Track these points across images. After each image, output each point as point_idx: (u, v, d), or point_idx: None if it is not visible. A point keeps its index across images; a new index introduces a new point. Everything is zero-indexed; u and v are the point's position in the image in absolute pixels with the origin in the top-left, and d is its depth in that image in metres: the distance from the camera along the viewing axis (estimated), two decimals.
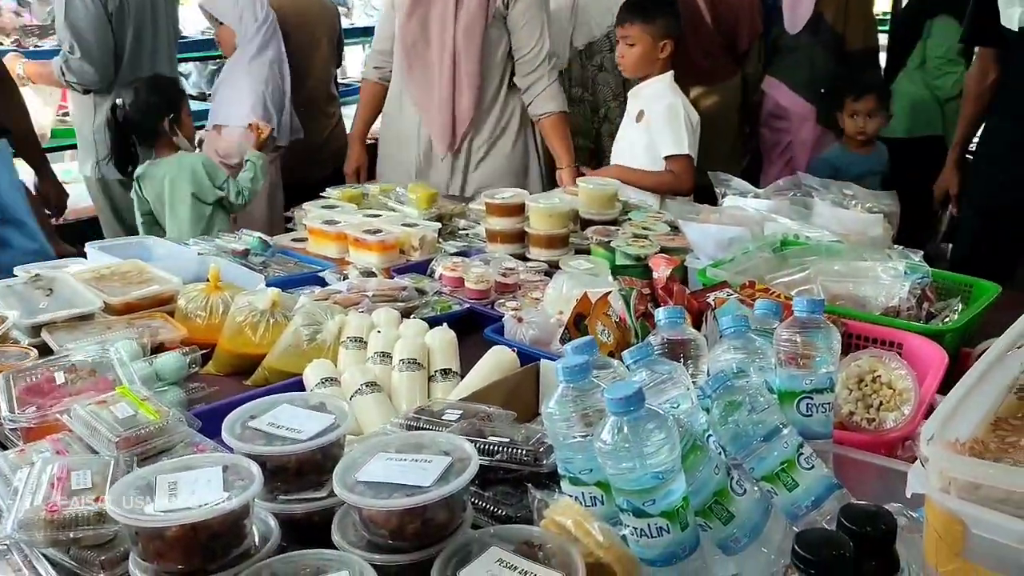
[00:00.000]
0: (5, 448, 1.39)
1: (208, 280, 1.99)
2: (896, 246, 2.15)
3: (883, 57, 4.78)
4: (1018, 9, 2.06)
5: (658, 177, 3.14)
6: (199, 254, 2.37)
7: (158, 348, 1.77)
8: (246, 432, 1.15)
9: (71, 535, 1.07)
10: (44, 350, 1.76)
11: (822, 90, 4.36)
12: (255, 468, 1.05)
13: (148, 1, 3.52)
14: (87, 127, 3.58)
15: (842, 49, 4.37)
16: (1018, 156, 2.59)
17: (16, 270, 2.15)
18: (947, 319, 1.77)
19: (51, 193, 3.36)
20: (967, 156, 3.22)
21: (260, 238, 2.52)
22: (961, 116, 3.00)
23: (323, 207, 2.72)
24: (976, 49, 2.90)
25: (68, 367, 1.52)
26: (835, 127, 4.30)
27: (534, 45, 3.24)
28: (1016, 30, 2.44)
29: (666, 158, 3.12)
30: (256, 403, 1.22)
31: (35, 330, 1.83)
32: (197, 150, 3.52)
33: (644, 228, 2.49)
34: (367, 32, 6.08)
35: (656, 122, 3.15)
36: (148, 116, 3.15)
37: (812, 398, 1.24)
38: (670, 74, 3.23)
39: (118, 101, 3.22)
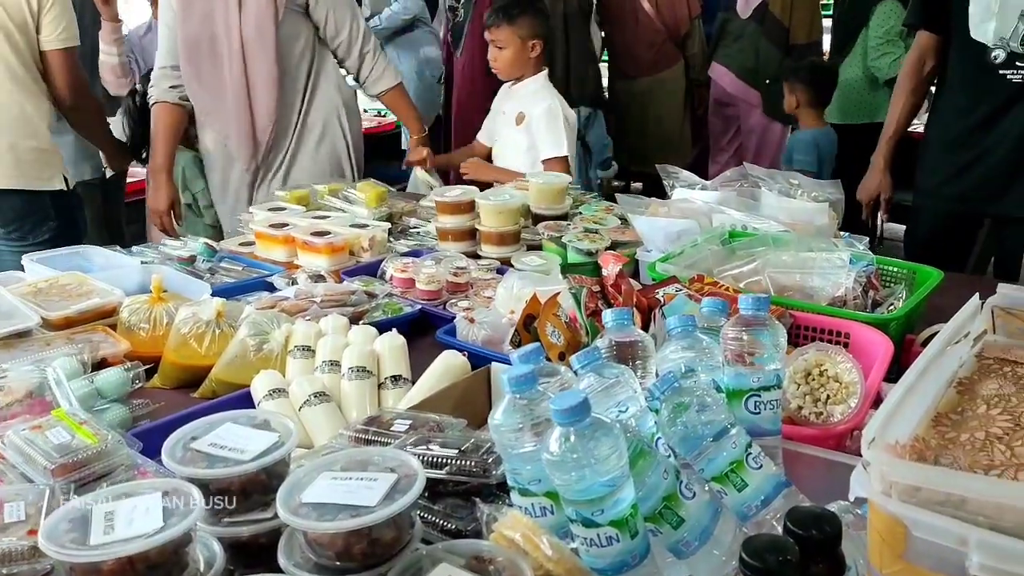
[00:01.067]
0: None
1: (151, 291, 1.94)
2: (843, 233, 2.18)
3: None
4: (992, 24, 2.06)
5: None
6: (142, 263, 2.31)
7: (100, 363, 1.72)
8: (187, 454, 1.12)
9: (4, 571, 1.03)
10: None
11: (767, 80, 4.44)
12: (196, 493, 1.02)
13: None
14: None
15: (786, 42, 4.45)
16: (982, 137, 2.60)
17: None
18: (892, 306, 1.79)
19: None
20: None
21: (206, 243, 2.47)
22: (891, 112, 2.93)
23: (270, 209, 2.68)
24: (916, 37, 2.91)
25: (2, 389, 1.46)
26: (780, 116, 4.39)
27: (349, 29, 3.06)
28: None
29: (544, 160, 3.20)
30: (198, 423, 1.18)
31: None
32: None
33: (595, 222, 2.49)
34: None
35: (536, 124, 3.22)
36: None
37: (760, 395, 1.24)
38: (544, 74, 3.33)
39: (137, 87, 3.34)
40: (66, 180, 2.99)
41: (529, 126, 3.24)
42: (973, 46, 2.50)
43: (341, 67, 3.20)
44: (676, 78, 4.91)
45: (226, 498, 1.09)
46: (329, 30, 3.05)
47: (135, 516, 0.98)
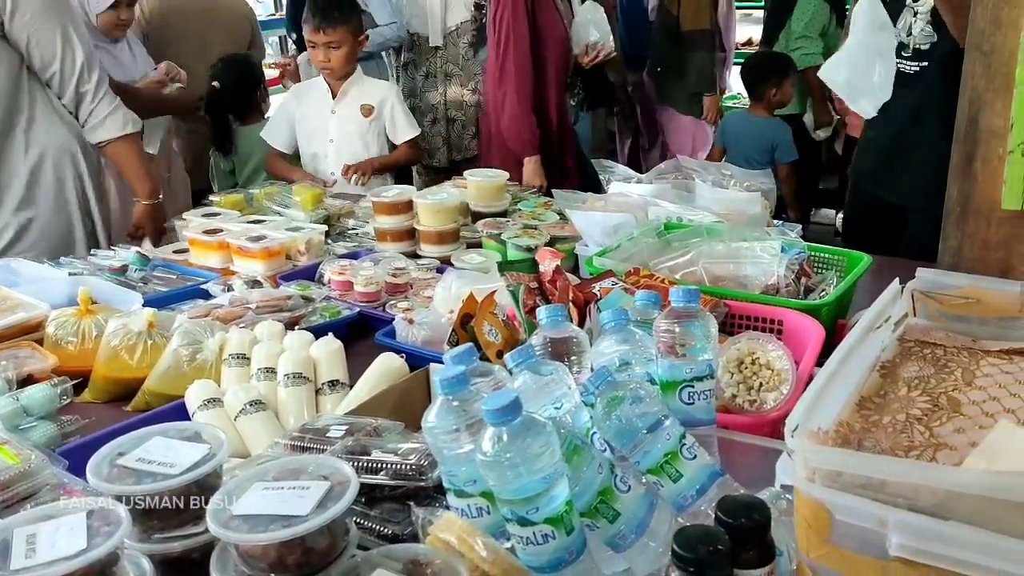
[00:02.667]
0: None
1: (79, 303, 1.89)
2: (776, 222, 2.21)
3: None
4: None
5: (406, 153, 3.52)
6: (70, 274, 2.25)
7: (27, 380, 1.67)
8: (115, 471, 1.09)
9: None
10: None
11: (658, 68, 4.56)
12: (122, 511, 0.99)
13: None
14: None
15: (678, 30, 4.57)
16: (869, 126, 2.69)
17: None
18: (823, 293, 1.82)
19: None
20: None
21: (138, 252, 2.41)
22: None
23: (204, 215, 2.63)
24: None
25: None
26: (673, 104, 4.53)
27: (59, 62, 2.53)
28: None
29: (406, 143, 3.47)
30: (125, 438, 1.15)
31: None
32: None
33: (534, 218, 2.50)
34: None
35: (392, 110, 3.44)
36: (246, 90, 3.86)
37: (693, 386, 1.26)
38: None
39: (215, 84, 3.66)
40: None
41: (381, 114, 3.41)
42: None
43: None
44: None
45: (156, 513, 1.07)
46: (35, 60, 2.53)
47: (58, 538, 0.96)
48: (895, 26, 2.43)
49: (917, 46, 2.48)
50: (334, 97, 3.40)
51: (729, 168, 2.33)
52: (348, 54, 3.31)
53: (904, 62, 2.50)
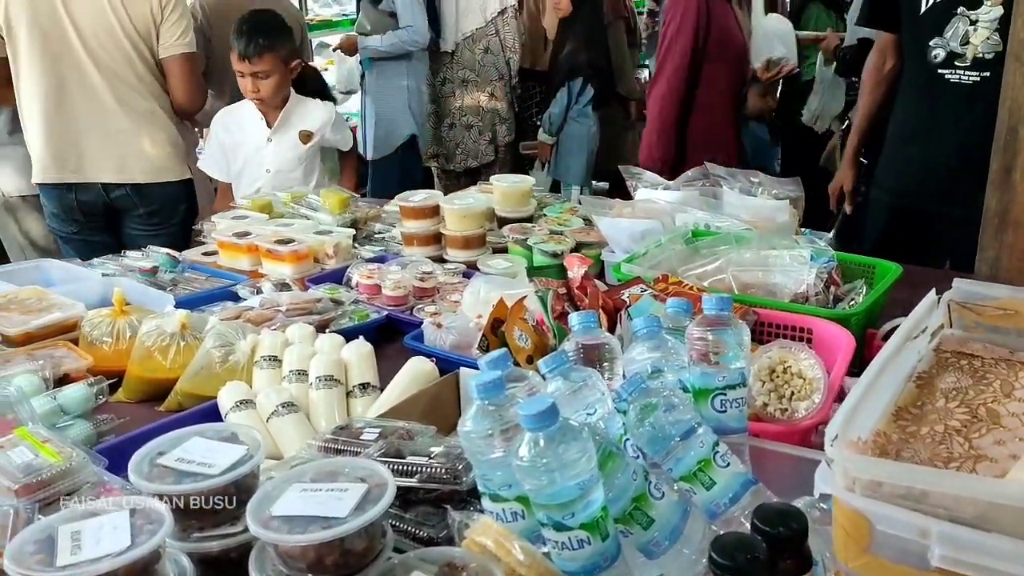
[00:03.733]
0: None
1: (113, 304, 1.92)
2: (803, 230, 2.21)
3: None
4: None
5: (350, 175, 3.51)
6: (103, 275, 2.28)
7: (63, 379, 1.70)
8: (155, 470, 1.11)
9: None
10: None
11: None
12: (164, 509, 1.01)
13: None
14: None
15: None
16: (925, 137, 2.59)
17: None
18: (852, 302, 1.82)
19: None
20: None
21: (168, 254, 2.44)
22: (858, 110, 2.93)
23: (233, 218, 2.65)
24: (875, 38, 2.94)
25: None
26: None
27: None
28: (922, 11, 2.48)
29: (345, 158, 3.52)
30: (165, 438, 1.17)
31: None
32: None
33: (560, 224, 2.50)
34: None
35: (332, 131, 3.33)
36: None
37: (726, 394, 1.26)
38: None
39: None
40: (189, 169, 3.18)
41: (323, 137, 3.28)
42: (917, 44, 2.51)
43: None
44: None
45: (196, 513, 1.09)
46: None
47: (102, 535, 0.97)
48: (943, 36, 2.42)
49: (980, 55, 2.38)
50: (269, 126, 3.20)
51: (757, 175, 2.33)
52: (279, 83, 3.11)
53: (959, 72, 2.43)
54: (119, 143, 2.96)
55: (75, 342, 1.87)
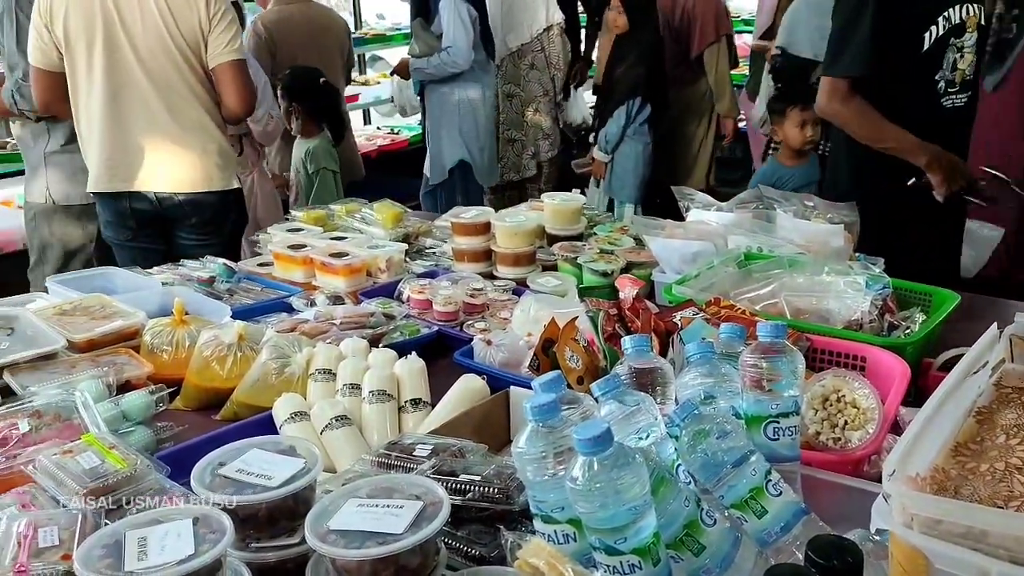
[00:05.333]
0: None
1: (173, 313, 1.97)
2: (858, 255, 2.19)
3: None
4: None
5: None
6: (163, 284, 2.34)
7: (124, 386, 1.75)
8: (216, 480, 1.14)
9: None
10: (6, 391, 1.74)
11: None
12: (226, 520, 1.04)
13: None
14: (38, 152, 3.43)
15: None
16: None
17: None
18: (908, 330, 1.80)
19: None
20: None
21: (225, 265, 2.50)
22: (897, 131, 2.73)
23: (288, 230, 2.71)
24: None
25: (32, 412, 1.49)
26: None
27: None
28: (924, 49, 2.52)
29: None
30: (225, 449, 1.21)
31: None
32: None
33: (610, 243, 2.51)
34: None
35: None
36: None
37: (779, 422, 1.26)
38: None
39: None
40: (239, 178, 3.23)
41: None
42: (922, 80, 2.54)
43: None
44: (693, 100, 4.95)
45: (254, 523, 1.12)
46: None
47: (167, 542, 1.01)
48: (942, 68, 2.53)
49: (967, 77, 2.55)
50: None
51: (812, 199, 2.31)
52: None
53: (952, 97, 2.55)
54: (170, 153, 3.03)
55: (136, 349, 1.93)
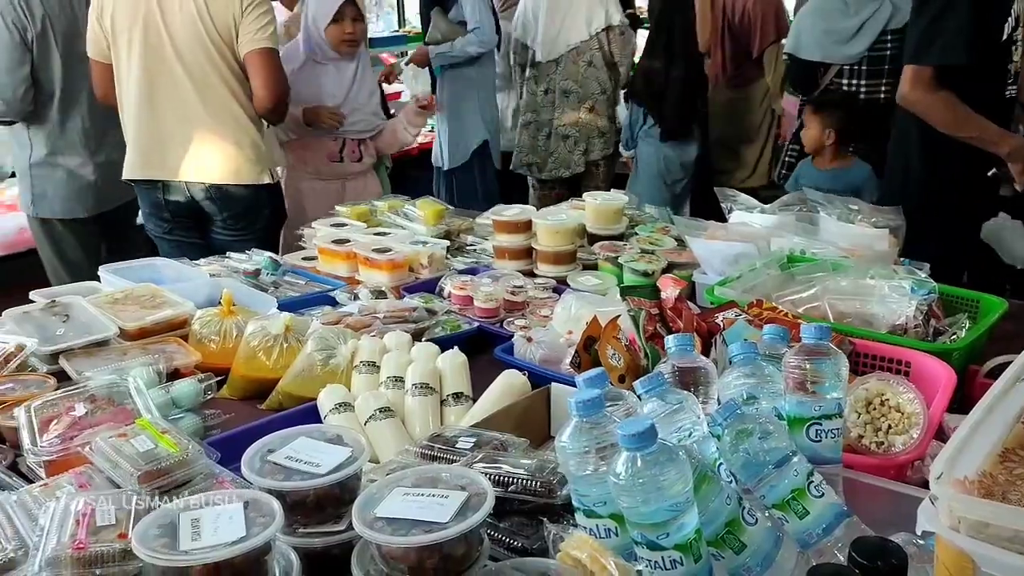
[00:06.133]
0: (28, 480, 1.41)
1: (220, 303, 2.02)
2: (903, 260, 2.16)
3: None
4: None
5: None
6: (211, 275, 2.39)
7: (173, 374, 1.79)
8: (265, 466, 1.17)
9: (97, 572, 1.09)
10: (62, 376, 1.79)
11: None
12: (276, 505, 1.06)
13: (82, 26, 3.18)
14: (22, 161, 3.43)
15: None
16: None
17: (32, 295, 2.18)
18: (954, 336, 1.78)
19: None
20: None
21: (271, 258, 2.55)
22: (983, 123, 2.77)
23: (332, 225, 2.75)
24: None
25: (88, 397, 1.54)
26: None
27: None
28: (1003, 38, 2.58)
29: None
30: (274, 436, 1.24)
31: (53, 357, 1.85)
32: None
33: (651, 243, 2.51)
34: None
35: None
36: None
37: (821, 424, 1.26)
38: None
39: None
40: (271, 174, 3.19)
41: None
42: (998, 70, 2.61)
43: None
44: (750, 100, 4.95)
45: (301, 509, 1.14)
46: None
47: (219, 524, 1.04)
48: (1012, 59, 2.61)
49: (1019, 69, 2.64)
50: None
51: (856, 203, 2.30)
52: None
53: (1011, 88, 2.61)
54: (202, 143, 3.05)
55: (185, 338, 1.97)
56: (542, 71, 4.76)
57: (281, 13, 4.79)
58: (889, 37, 3.64)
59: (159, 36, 2.95)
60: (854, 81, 3.74)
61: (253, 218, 3.19)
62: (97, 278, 2.38)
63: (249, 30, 2.96)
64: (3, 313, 2.03)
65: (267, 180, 3.18)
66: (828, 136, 3.60)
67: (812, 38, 3.85)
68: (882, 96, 3.70)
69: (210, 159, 3.07)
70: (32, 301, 2.12)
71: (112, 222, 3.57)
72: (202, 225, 3.22)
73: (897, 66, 3.59)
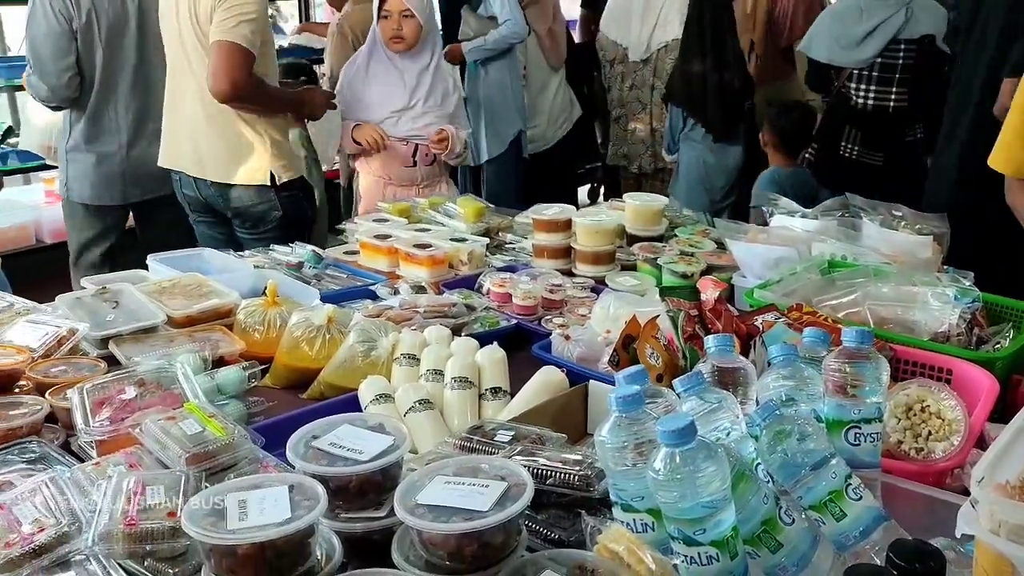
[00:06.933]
0: (79, 458, 1.46)
1: (264, 294, 2.06)
2: (946, 268, 2.14)
3: None
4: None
5: None
6: (255, 267, 2.44)
7: (218, 361, 1.83)
8: (309, 452, 1.20)
9: (147, 548, 1.12)
10: (110, 361, 1.84)
11: None
12: (320, 489, 1.09)
13: (127, 20, 3.33)
14: (61, 146, 3.52)
15: None
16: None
17: (84, 281, 2.24)
18: (998, 345, 1.76)
19: None
20: None
21: (313, 251, 2.59)
22: None
23: (374, 220, 2.79)
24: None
25: (137, 380, 1.58)
26: None
27: None
28: None
29: None
30: (318, 423, 1.26)
31: (103, 342, 1.91)
32: None
33: (691, 245, 2.51)
34: None
35: None
36: None
37: (860, 428, 1.26)
38: None
39: None
40: (273, 176, 3.08)
41: None
42: None
43: None
44: (784, 93, 4.92)
45: (343, 495, 1.17)
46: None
47: (265, 506, 1.07)
48: None
49: None
50: None
51: (900, 209, 2.28)
52: None
53: None
54: (201, 138, 3.05)
55: (229, 327, 2.02)
56: (629, 67, 4.86)
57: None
58: (902, 46, 3.67)
59: (175, 27, 3.02)
60: (862, 87, 3.79)
61: (258, 219, 3.13)
62: (112, 268, 2.41)
63: (217, 20, 2.89)
64: (57, 298, 2.09)
65: (263, 181, 3.07)
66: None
67: (822, 40, 3.90)
68: (891, 105, 3.74)
69: (208, 156, 3.07)
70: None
71: (141, 213, 3.61)
72: (225, 220, 3.23)
73: (908, 75, 3.64)
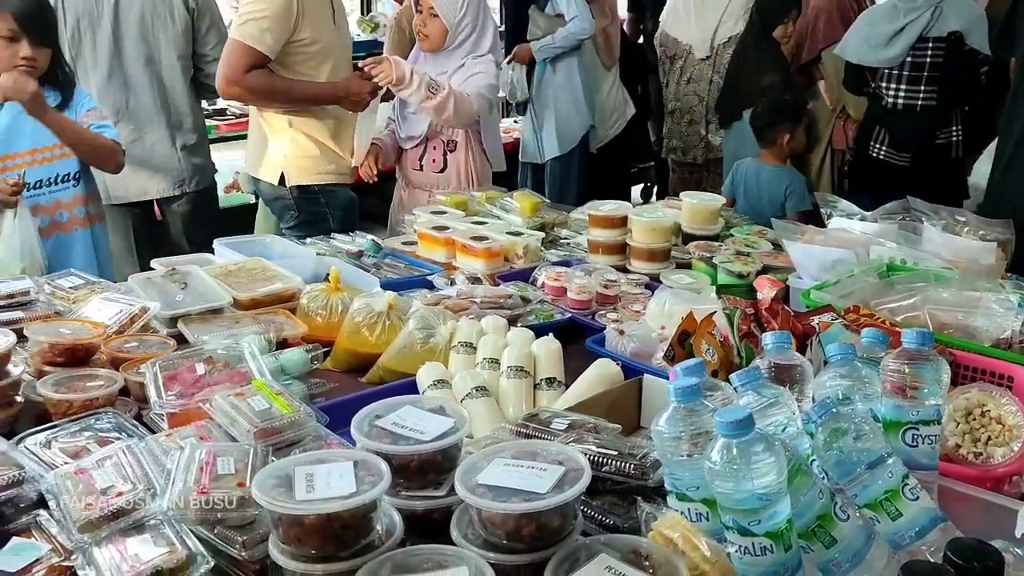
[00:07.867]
0: (150, 430, 1.52)
1: (327, 280, 2.11)
2: (1009, 275, 2.11)
3: None
4: None
5: None
6: (317, 254, 2.50)
7: (281, 343, 1.89)
8: (373, 430, 1.24)
9: (217, 515, 1.17)
10: (179, 339, 1.91)
11: None
12: (384, 466, 1.13)
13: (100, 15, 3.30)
14: None
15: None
16: None
17: (153, 263, 2.32)
18: None
19: None
20: None
21: (373, 240, 2.64)
22: None
23: (432, 212, 2.83)
24: None
25: (206, 358, 1.64)
26: None
27: None
28: None
29: None
30: (381, 403, 1.30)
31: (172, 321, 1.98)
32: None
33: (747, 245, 2.51)
34: None
35: None
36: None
37: (918, 429, 1.26)
38: None
39: None
40: (283, 176, 3.11)
41: None
42: None
43: None
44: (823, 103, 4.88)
45: (405, 473, 1.21)
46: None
47: (331, 480, 1.11)
48: None
49: None
50: None
51: (964, 214, 2.24)
52: None
53: None
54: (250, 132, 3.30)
55: (292, 311, 2.07)
56: (688, 62, 4.91)
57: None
58: (930, 44, 3.64)
59: None
60: (892, 86, 3.79)
61: (279, 214, 3.26)
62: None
63: (234, 17, 3.04)
64: (129, 278, 2.17)
65: (272, 180, 3.11)
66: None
67: (854, 41, 3.91)
68: (919, 103, 3.72)
69: (248, 146, 3.29)
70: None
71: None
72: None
73: (937, 74, 3.63)
